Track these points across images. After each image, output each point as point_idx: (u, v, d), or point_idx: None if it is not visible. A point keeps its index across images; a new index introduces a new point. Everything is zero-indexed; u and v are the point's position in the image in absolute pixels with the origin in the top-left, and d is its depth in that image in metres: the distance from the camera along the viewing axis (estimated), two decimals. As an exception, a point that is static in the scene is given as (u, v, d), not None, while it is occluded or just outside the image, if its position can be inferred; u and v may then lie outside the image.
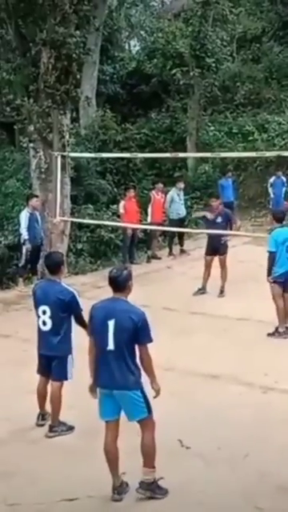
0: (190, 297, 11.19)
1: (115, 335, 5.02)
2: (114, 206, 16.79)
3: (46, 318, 6.26)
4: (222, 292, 11.37)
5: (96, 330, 5.16)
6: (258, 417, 6.55)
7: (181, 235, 15.33)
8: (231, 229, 11.97)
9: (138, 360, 5.13)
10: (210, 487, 5.31)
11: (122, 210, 14.73)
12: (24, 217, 12.53)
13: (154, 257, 15.19)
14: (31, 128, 13.39)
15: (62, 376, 6.28)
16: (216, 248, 11.48)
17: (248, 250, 14.55)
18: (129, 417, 5.17)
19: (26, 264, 12.73)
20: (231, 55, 24.02)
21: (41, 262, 13.00)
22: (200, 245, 15.91)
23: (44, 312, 6.28)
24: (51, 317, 6.21)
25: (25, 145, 14.61)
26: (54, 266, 6.44)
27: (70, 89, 13.15)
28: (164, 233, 15.83)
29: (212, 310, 10.24)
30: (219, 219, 11.54)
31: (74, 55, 12.90)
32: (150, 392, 5.17)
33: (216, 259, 11.46)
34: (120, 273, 5.24)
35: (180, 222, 15.06)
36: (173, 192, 15.32)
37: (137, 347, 5.09)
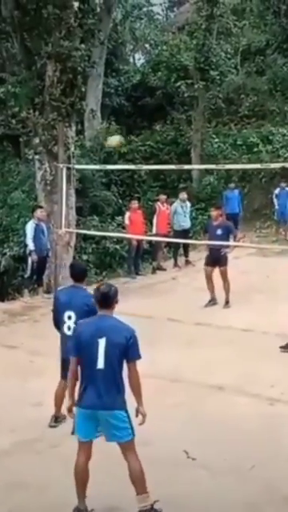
0: (195, 308, 11.18)
1: (106, 353, 4.86)
2: (119, 218, 16.86)
3: (71, 323, 6.29)
4: (227, 303, 11.35)
5: (83, 349, 4.94)
6: (264, 428, 6.51)
7: (186, 246, 15.37)
8: (234, 240, 11.95)
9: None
10: (216, 499, 5.28)
11: (127, 221, 14.78)
12: (30, 228, 12.59)
13: (159, 268, 15.22)
14: (36, 140, 13.48)
15: None
16: (216, 259, 11.47)
17: (253, 261, 14.57)
18: (111, 438, 4.96)
19: (31, 275, 12.77)
20: (235, 68, 24.18)
21: (46, 272, 13.06)
22: (203, 255, 15.96)
23: (69, 317, 6.34)
24: (76, 322, 6.20)
25: (30, 157, 14.71)
26: (80, 274, 6.55)
27: (75, 101, 13.26)
28: (169, 244, 15.85)
29: (217, 321, 10.23)
30: (219, 231, 11.56)
31: (79, 68, 13.02)
32: (133, 415, 5.00)
33: (217, 270, 11.44)
34: (109, 288, 5.10)
35: (184, 234, 15.07)
36: (176, 204, 15.39)
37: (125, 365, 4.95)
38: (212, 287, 11.47)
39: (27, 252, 12.76)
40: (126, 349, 4.90)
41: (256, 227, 19.01)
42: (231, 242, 12.05)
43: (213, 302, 11.45)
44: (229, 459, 5.85)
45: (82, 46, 13.26)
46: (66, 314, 6.36)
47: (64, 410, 6.13)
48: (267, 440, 6.25)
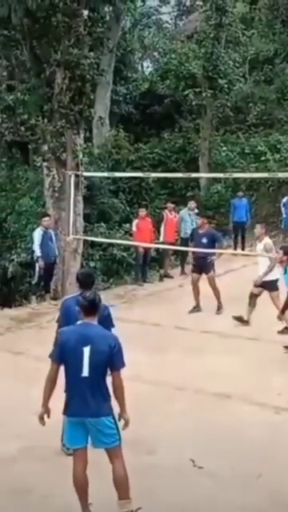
0: (202, 316, 11.17)
1: (91, 361, 4.83)
2: (127, 225, 16.88)
3: None
4: (219, 309, 11.44)
5: (67, 357, 4.90)
6: (270, 437, 6.48)
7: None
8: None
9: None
10: (223, 507, 5.26)
11: (134, 229, 14.80)
12: (37, 234, 12.62)
13: (167, 275, 15.20)
14: (45, 147, 13.54)
15: None
16: (202, 266, 11.57)
17: (259, 270, 14.52)
18: (98, 444, 4.95)
19: (39, 282, 12.78)
20: (243, 76, 24.20)
21: (54, 279, 13.08)
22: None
23: None
24: None
25: (38, 164, 14.78)
26: (89, 281, 6.35)
27: (83, 109, 13.32)
28: (176, 252, 15.84)
29: (224, 329, 10.21)
30: (204, 239, 11.64)
31: (87, 76, 13.09)
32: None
33: (205, 278, 11.48)
34: (95, 296, 5.07)
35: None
36: (184, 211, 15.41)
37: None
38: (197, 294, 11.52)
39: (34, 258, 12.78)
40: (111, 357, 4.88)
41: (264, 236, 18.97)
42: (217, 250, 12.06)
43: (197, 308, 11.52)
44: (236, 468, 5.82)
45: (91, 53, 13.34)
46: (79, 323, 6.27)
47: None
48: (274, 449, 6.22)
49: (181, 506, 5.18)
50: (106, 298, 12.60)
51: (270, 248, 10.56)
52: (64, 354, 4.93)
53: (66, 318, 6.13)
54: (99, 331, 5.01)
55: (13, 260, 15.61)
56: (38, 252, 12.55)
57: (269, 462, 5.93)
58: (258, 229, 11.06)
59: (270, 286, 10.19)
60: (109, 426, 4.88)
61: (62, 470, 5.87)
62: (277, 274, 10.07)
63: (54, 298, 12.75)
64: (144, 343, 9.53)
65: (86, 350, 4.84)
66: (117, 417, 4.98)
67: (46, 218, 12.85)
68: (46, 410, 5.02)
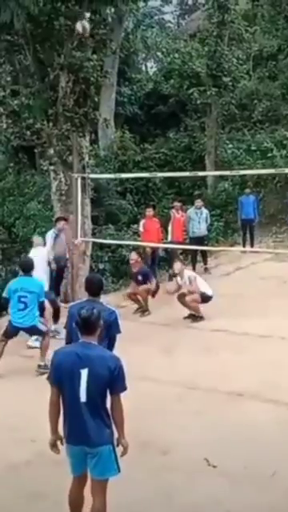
0: (212, 314, 11.16)
1: (89, 386, 4.45)
2: (135, 226, 16.89)
3: None
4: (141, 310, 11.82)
5: (63, 380, 4.53)
6: (284, 434, 6.47)
7: (203, 254, 15.30)
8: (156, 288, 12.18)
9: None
10: (237, 506, 5.25)
11: (141, 229, 14.80)
12: (50, 237, 12.59)
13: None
14: (51, 151, 13.56)
15: None
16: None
17: (269, 267, 14.52)
18: (95, 473, 4.59)
19: (50, 285, 12.77)
20: (248, 73, 24.17)
21: (64, 282, 13.09)
22: (220, 262, 15.92)
23: None
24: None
25: (45, 167, 14.81)
26: (98, 288, 6.34)
27: (88, 111, 13.32)
28: (185, 251, 15.82)
29: (234, 327, 10.19)
30: (140, 277, 11.98)
31: (91, 78, 13.08)
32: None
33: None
34: (91, 312, 4.58)
35: (198, 240, 14.98)
36: (191, 211, 15.37)
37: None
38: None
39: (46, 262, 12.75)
40: (111, 381, 4.50)
41: (272, 232, 18.95)
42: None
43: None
44: (249, 466, 5.81)
45: (94, 56, 13.34)
46: None
47: None
48: (287, 446, 6.21)
49: (194, 505, 5.18)
50: (117, 299, 12.72)
51: (194, 278, 11.19)
52: (59, 377, 4.57)
53: (70, 327, 6.04)
54: (98, 352, 4.61)
55: (22, 264, 15.63)
56: (50, 255, 12.53)
57: (283, 460, 5.91)
58: (178, 266, 11.50)
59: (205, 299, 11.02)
60: (108, 454, 4.55)
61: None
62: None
63: (65, 301, 12.77)
64: (155, 343, 9.55)
65: (84, 373, 4.47)
66: (115, 442, 4.65)
67: (63, 222, 12.70)
68: (58, 437, 4.71)
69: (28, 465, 6.11)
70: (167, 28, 33.59)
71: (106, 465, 4.56)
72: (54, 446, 4.75)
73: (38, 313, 8.82)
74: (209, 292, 11.07)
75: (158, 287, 12.32)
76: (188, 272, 11.56)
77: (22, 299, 8.66)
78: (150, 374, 8.06)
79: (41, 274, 9.99)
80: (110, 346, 5.86)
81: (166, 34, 31.03)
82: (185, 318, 11.14)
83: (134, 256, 12.27)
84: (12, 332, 8.89)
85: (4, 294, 8.98)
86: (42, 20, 13.06)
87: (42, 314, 8.97)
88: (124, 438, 4.66)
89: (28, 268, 8.96)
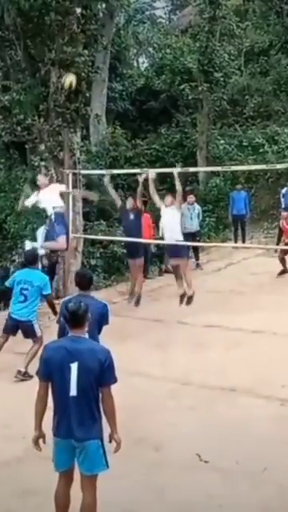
0: (204, 310, 11.15)
1: (79, 379, 4.45)
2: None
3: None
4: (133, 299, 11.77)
5: (53, 375, 4.53)
6: (276, 429, 6.49)
7: (195, 249, 15.26)
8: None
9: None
10: (229, 501, 5.26)
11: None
12: (41, 233, 12.56)
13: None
14: (42, 147, 13.52)
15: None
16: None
17: (261, 262, 14.55)
18: (82, 468, 4.57)
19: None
20: (239, 69, 24.19)
21: (55, 278, 13.06)
22: (212, 258, 15.93)
23: None
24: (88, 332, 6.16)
25: (36, 163, 14.73)
26: (88, 282, 6.54)
27: (79, 107, 13.29)
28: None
29: (226, 322, 10.20)
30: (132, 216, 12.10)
31: (82, 74, 13.05)
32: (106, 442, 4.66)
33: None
34: (78, 305, 4.59)
35: (190, 236, 14.92)
36: (183, 206, 15.26)
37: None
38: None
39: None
40: (101, 373, 4.48)
41: (263, 228, 18.98)
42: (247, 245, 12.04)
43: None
44: (241, 462, 5.82)
45: (85, 51, 13.29)
46: None
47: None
48: (279, 442, 6.22)
49: (186, 501, 5.18)
50: (109, 295, 12.69)
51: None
52: (49, 372, 4.56)
53: (62, 322, 6.05)
54: (88, 345, 4.61)
55: (14, 260, 15.60)
56: (41, 251, 12.50)
57: (275, 455, 5.92)
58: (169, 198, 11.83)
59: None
60: (96, 449, 4.52)
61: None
62: None
63: (56, 297, 12.73)
64: (147, 339, 9.54)
65: (74, 367, 4.46)
66: (107, 438, 4.63)
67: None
68: (40, 434, 4.69)
69: (19, 461, 6.09)
70: (159, 23, 33.47)
71: (93, 460, 4.53)
72: (36, 443, 4.72)
73: (37, 307, 8.74)
74: None
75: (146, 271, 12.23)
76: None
77: (24, 291, 8.59)
78: (142, 370, 8.05)
79: None
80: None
81: (157, 29, 30.92)
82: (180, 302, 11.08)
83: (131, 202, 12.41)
84: (11, 325, 8.75)
85: (7, 284, 8.91)
86: (32, 15, 13.03)
87: (53, 311, 8.75)
88: (116, 433, 4.62)
89: (33, 260, 8.89)
